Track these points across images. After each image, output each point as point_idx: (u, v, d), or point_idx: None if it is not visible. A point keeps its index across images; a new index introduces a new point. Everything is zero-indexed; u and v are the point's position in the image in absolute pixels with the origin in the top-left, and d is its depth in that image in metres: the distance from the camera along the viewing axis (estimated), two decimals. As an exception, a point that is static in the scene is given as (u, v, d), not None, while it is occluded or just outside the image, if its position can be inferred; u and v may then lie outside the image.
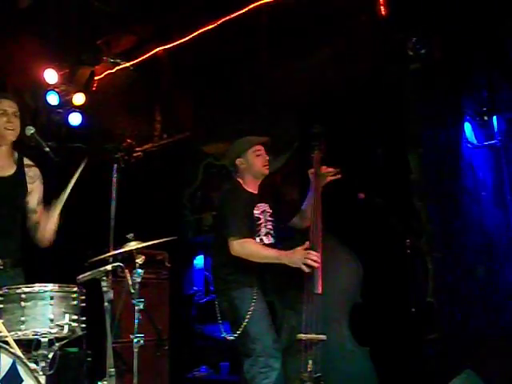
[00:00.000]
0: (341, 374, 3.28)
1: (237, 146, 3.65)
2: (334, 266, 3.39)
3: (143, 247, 3.06)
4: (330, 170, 3.64)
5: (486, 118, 4.28)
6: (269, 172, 3.66)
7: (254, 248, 3.36)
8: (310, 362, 3.16)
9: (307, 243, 3.28)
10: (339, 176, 3.63)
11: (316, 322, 3.24)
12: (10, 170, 3.24)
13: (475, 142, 4.40)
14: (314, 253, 3.23)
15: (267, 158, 3.62)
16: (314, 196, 3.55)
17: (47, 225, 3.22)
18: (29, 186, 3.28)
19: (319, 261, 3.23)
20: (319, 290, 3.26)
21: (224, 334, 3.46)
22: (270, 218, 3.59)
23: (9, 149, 3.25)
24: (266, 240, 3.53)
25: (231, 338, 3.37)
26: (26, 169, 3.30)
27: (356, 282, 3.48)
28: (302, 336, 3.25)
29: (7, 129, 3.16)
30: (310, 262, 3.20)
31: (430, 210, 4.09)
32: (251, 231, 3.45)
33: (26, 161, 3.32)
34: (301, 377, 3.16)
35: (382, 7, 4.25)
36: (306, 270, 3.21)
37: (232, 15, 5.03)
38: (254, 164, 3.57)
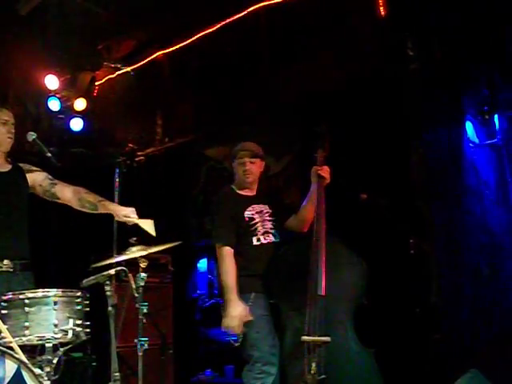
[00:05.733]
0: (345, 375, 3.26)
1: (232, 150, 3.75)
2: (337, 267, 3.38)
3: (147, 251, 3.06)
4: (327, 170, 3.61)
5: (487, 116, 4.27)
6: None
7: (226, 262, 3.42)
8: (314, 364, 3.13)
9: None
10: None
11: (320, 323, 3.22)
12: (6, 167, 3.35)
13: (477, 140, 4.39)
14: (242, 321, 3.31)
15: (248, 167, 3.64)
16: (318, 195, 3.53)
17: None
18: (29, 178, 3.36)
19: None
20: (322, 291, 3.24)
21: (230, 339, 3.46)
22: (268, 218, 3.62)
23: (4, 156, 3.37)
24: (265, 239, 3.55)
25: (237, 344, 3.37)
26: (21, 170, 3.40)
27: (360, 283, 3.46)
28: (306, 338, 3.22)
29: (8, 138, 3.31)
30: (236, 330, 3.31)
31: (432, 210, 4.08)
32: (240, 235, 3.51)
33: (22, 165, 3.43)
34: (305, 379, 3.14)
35: (381, 7, 4.25)
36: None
37: (232, 18, 5.03)
38: (237, 172, 3.69)
